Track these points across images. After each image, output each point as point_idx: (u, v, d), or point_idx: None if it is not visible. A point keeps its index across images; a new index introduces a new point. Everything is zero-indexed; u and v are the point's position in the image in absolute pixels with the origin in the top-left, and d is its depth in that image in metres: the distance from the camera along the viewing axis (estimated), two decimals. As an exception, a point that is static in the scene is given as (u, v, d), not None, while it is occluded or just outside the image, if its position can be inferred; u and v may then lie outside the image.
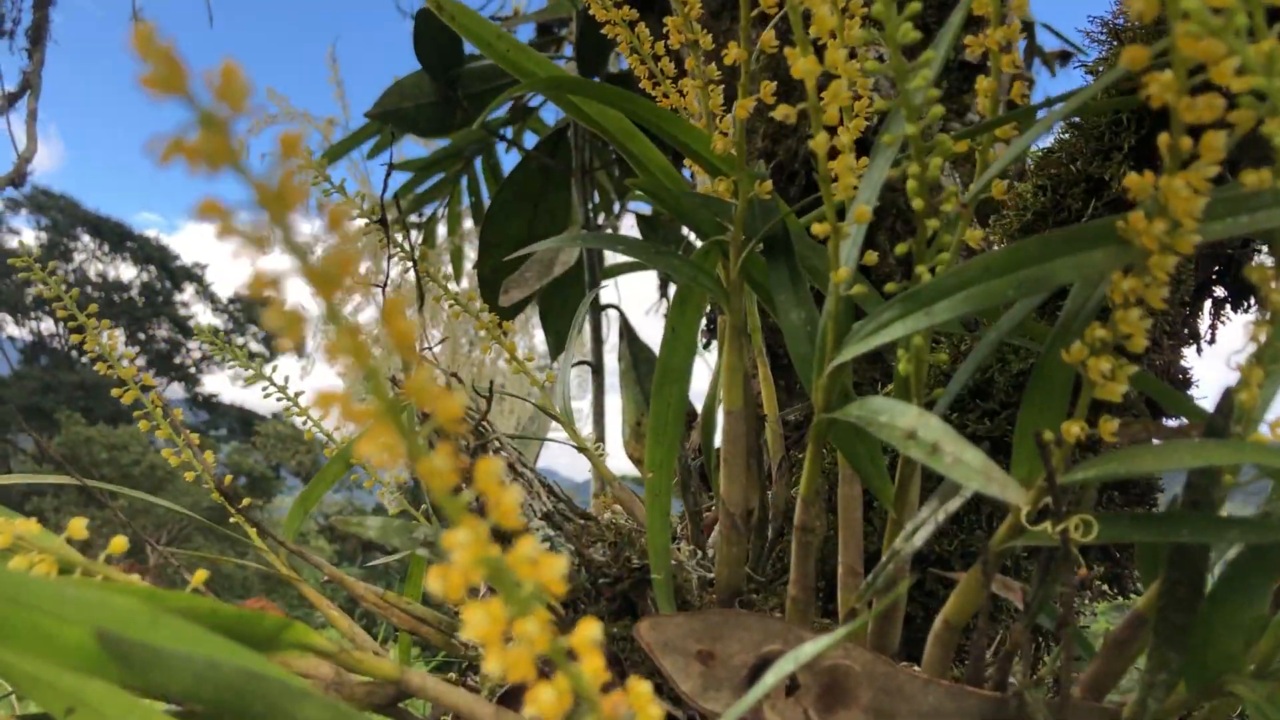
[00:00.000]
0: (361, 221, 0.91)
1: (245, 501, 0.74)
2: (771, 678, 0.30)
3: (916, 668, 0.47)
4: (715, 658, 0.46)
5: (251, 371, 0.92)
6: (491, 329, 0.92)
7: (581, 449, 0.73)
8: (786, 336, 0.48)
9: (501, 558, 0.20)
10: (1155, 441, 0.38)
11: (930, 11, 1.46)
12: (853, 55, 0.41)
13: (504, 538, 0.21)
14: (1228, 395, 0.37)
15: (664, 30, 0.51)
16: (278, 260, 0.20)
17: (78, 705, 0.37)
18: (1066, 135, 0.68)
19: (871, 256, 0.46)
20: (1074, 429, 0.37)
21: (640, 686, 0.23)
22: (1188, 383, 0.64)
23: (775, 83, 0.47)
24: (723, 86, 0.53)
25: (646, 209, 2.22)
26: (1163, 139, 0.32)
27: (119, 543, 0.40)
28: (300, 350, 0.21)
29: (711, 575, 0.58)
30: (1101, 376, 0.36)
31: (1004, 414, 0.61)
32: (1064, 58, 1.97)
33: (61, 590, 0.29)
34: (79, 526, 0.39)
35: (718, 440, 0.60)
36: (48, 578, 0.36)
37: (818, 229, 0.40)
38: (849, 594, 0.52)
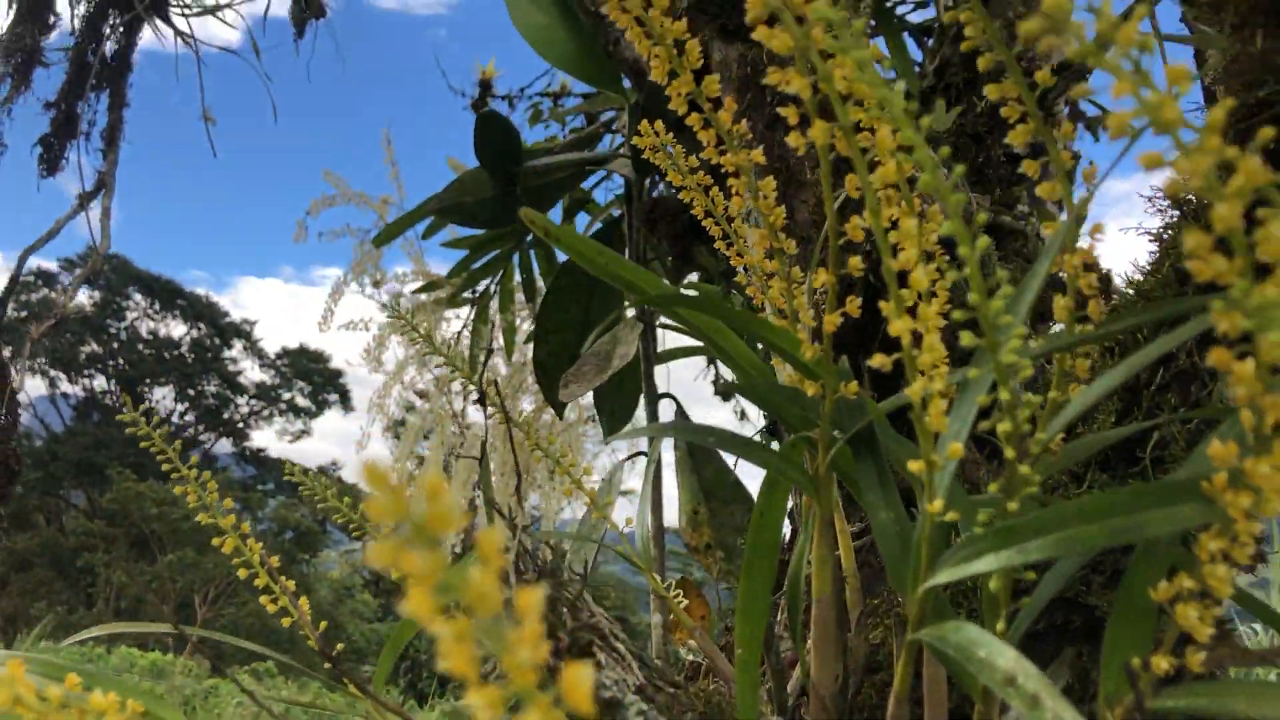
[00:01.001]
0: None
1: (339, 647, 0.77)
2: None
3: None
4: None
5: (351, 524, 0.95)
6: (557, 460, 0.93)
7: (660, 595, 0.76)
8: (876, 534, 0.51)
9: None
10: (1240, 672, 0.40)
11: (981, 120, 1.49)
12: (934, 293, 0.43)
13: None
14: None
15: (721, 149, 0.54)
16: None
17: None
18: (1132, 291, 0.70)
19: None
20: (1163, 664, 0.40)
21: None
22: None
23: (860, 295, 0.50)
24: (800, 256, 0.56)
25: (699, 293, 2.25)
26: (1245, 417, 0.35)
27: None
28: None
29: (798, 743, 0.60)
30: (1190, 619, 0.38)
31: (1098, 576, 0.63)
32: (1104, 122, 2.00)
33: None
34: None
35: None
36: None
37: (913, 466, 0.42)
38: (937, 776, 0.53)
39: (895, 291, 0.40)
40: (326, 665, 0.71)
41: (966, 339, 0.37)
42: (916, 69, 1.89)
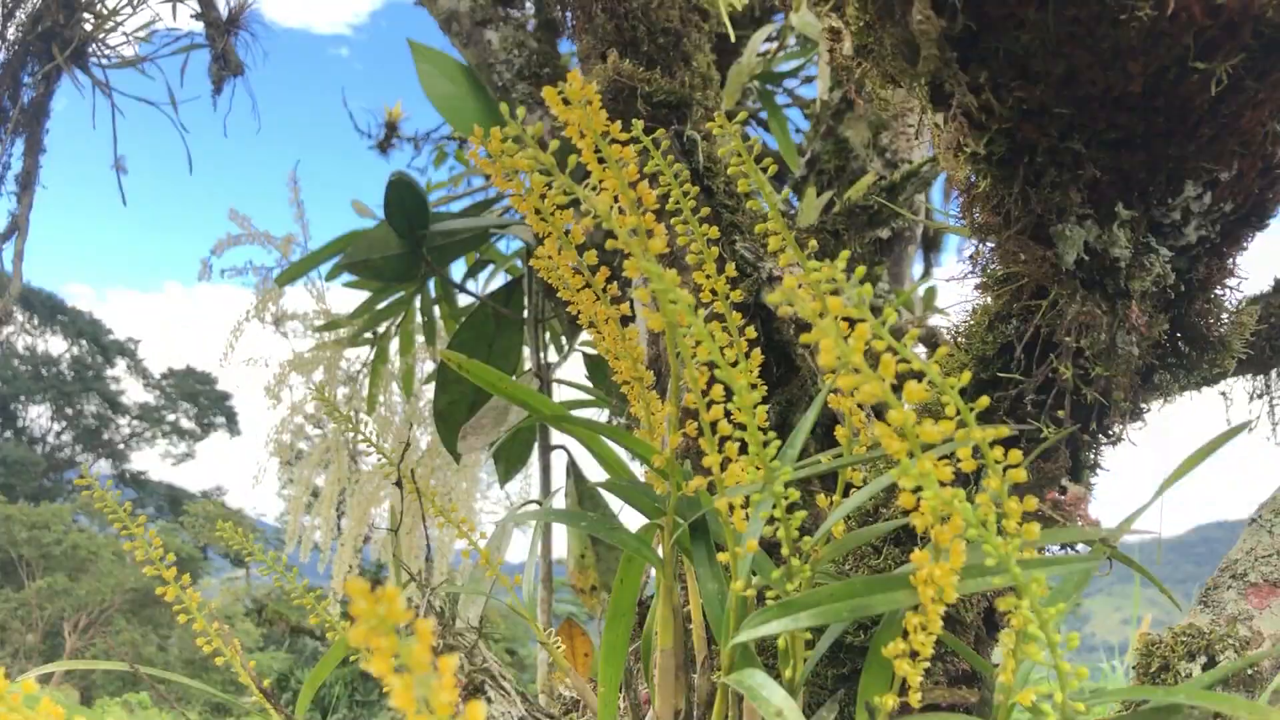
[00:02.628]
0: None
1: (258, 696, 0.89)
2: None
3: None
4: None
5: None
6: (445, 513, 1.05)
7: (543, 644, 0.91)
8: (704, 601, 0.67)
9: None
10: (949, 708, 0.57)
11: (840, 218, 1.69)
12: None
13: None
14: (992, 686, 0.56)
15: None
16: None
17: None
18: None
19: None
20: (889, 701, 0.57)
21: None
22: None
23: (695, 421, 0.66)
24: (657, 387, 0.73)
25: (592, 351, 2.41)
26: (935, 535, 0.52)
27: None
28: None
29: (646, 763, 0.76)
30: (908, 670, 0.56)
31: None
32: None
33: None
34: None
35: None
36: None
37: (721, 557, 0.59)
38: (748, 787, 0.70)
39: (709, 436, 0.57)
40: (256, 696, 0.84)
41: (751, 475, 0.53)
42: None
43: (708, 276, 0.67)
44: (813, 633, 0.65)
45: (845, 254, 0.48)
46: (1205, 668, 1.02)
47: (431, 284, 2.81)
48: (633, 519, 0.80)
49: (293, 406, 3.60)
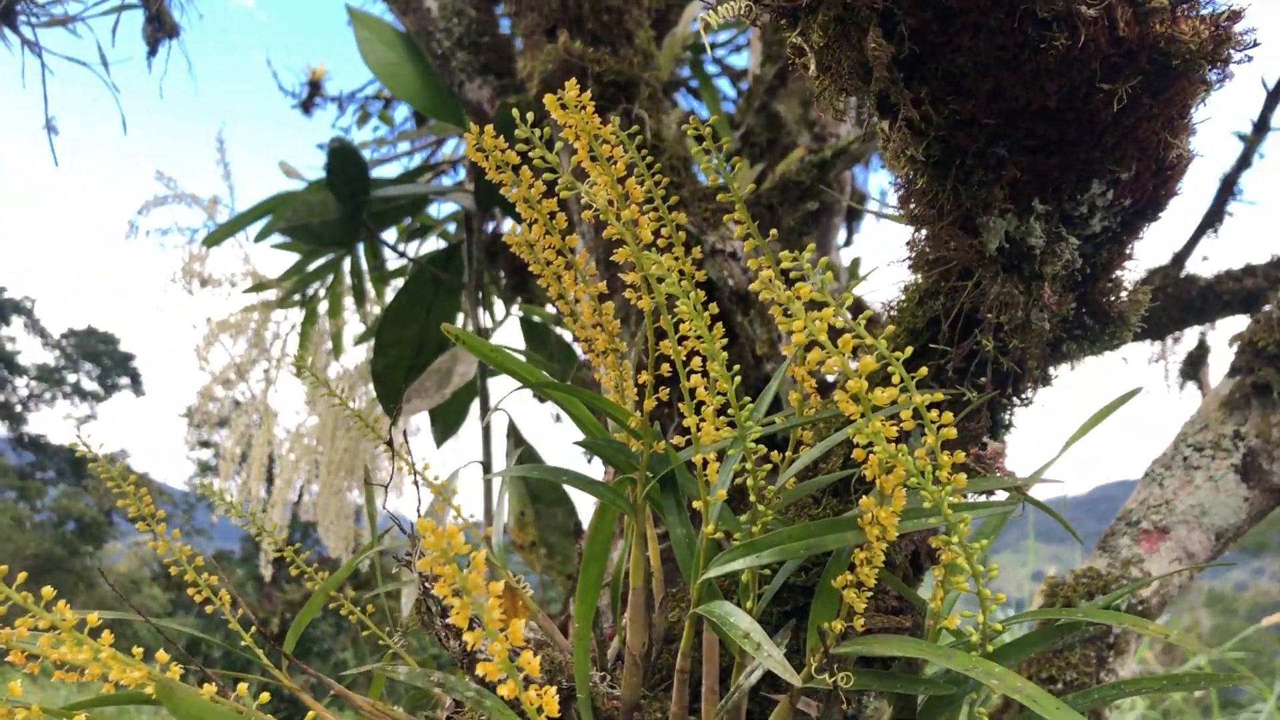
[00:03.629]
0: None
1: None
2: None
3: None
4: (625, 755, 0.73)
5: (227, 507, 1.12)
6: (396, 450, 1.11)
7: (510, 588, 0.99)
8: (673, 544, 0.76)
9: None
10: (885, 634, 0.67)
11: (774, 192, 1.78)
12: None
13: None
14: (925, 611, 0.66)
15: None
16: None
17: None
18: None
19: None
20: (837, 626, 0.66)
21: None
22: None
23: (668, 382, 0.75)
24: (631, 353, 0.81)
25: (530, 317, 2.47)
26: (881, 481, 0.62)
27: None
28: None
29: (615, 691, 0.85)
30: (854, 598, 0.65)
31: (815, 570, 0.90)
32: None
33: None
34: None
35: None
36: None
37: (696, 504, 0.68)
38: (710, 708, 0.79)
39: (688, 399, 0.66)
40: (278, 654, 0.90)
41: (727, 433, 0.62)
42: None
43: (676, 258, 0.76)
44: (770, 570, 0.75)
45: (811, 247, 0.57)
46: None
47: (361, 247, 2.83)
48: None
49: (215, 374, 3.60)
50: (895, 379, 0.59)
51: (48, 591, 0.65)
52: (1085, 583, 1.18)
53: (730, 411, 0.62)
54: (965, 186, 0.70)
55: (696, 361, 0.65)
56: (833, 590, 0.69)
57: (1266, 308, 1.23)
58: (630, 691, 0.82)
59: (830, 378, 0.81)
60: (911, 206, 0.74)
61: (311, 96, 3.44)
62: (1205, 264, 1.89)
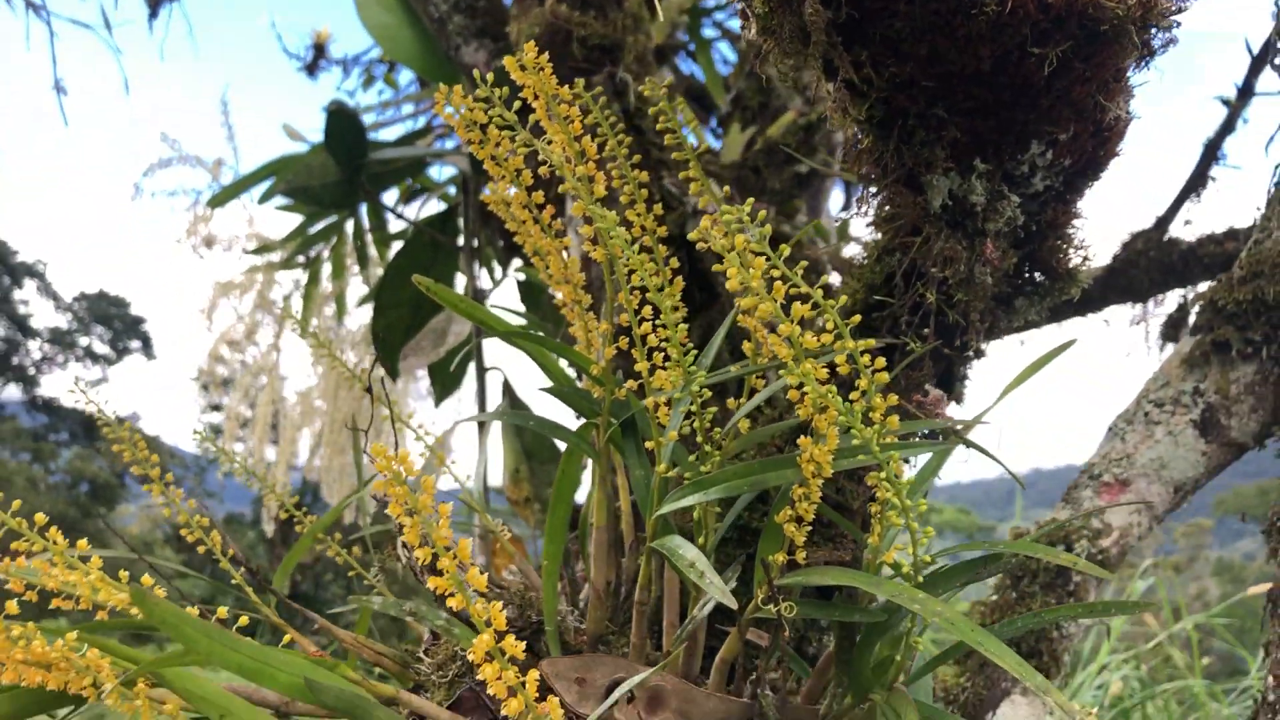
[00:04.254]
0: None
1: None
2: (618, 693, 0.62)
3: (705, 686, 0.80)
4: (586, 682, 0.78)
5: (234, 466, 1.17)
6: (377, 399, 1.15)
7: (490, 532, 1.04)
8: (633, 484, 0.81)
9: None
10: (827, 566, 0.72)
11: (760, 155, 1.81)
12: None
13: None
14: (862, 547, 0.71)
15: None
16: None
17: (226, 716, 0.66)
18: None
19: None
20: (780, 558, 0.71)
21: (554, 700, 0.55)
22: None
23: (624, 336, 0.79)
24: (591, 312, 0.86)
25: (526, 278, 2.51)
26: (816, 423, 0.66)
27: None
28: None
29: (583, 625, 0.90)
30: (794, 532, 0.70)
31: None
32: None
33: (264, 651, 0.59)
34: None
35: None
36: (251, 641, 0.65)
37: (649, 445, 0.73)
38: (669, 640, 0.84)
39: (639, 346, 0.70)
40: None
41: (676, 378, 0.67)
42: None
43: (638, 215, 0.80)
44: (721, 509, 0.79)
45: (750, 202, 0.61)
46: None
47: (364, 209, 2.87)
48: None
49: (222, 335, 3.65)
50: (830, 325, 0.63)
51: (55, 532, 0.70)
52: (1048, 532, 1.23)
53: (674, 358, 0.66)
54: (908, 146, 0.74)
55: (648, 310, 0.69)
56: (778, 527, 0.73)
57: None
58: (595, 625, 0.87)
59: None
60: (860, 167, 0.78)
61: (316, 59, 3.45)
62: (1188, 228, 1.92)
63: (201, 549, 0.91)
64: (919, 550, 0.69)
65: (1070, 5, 0.66)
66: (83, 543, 0.68)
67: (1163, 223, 1.96)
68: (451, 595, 0.53)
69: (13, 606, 0.63)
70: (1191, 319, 1.29)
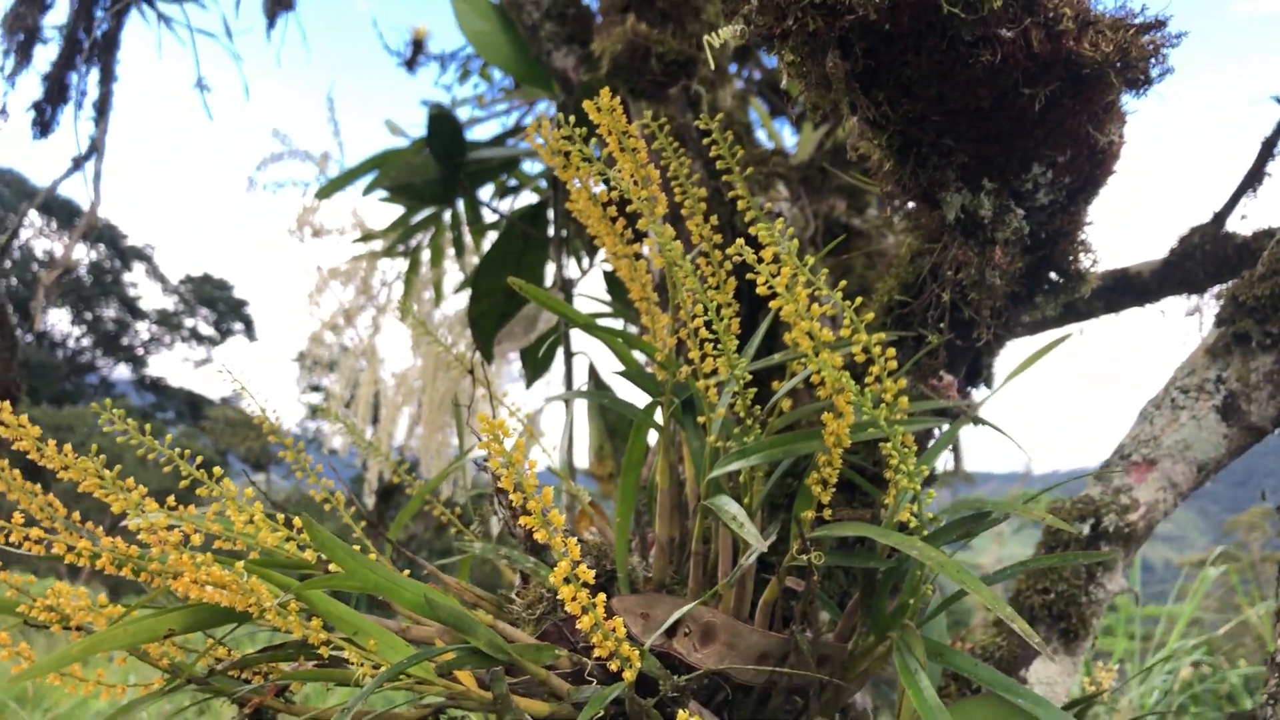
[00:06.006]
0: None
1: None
2: (670, 620, 0.78)
3: (751, 623, 0.95)
4: (650, 617, 0.94)
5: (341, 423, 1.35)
6: (477, 380, 1.33)
7: (574, 497, 1.21)
8: (690, 454, 0.96)
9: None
10: (854, 521, 0.86)
11: (827, 155, 1.93)
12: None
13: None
14: (880, 507, 0.85)
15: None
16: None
17: (359, 633, 0.82)
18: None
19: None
20: (810, 515, 0.86)
21: (618, 620, 0.71)
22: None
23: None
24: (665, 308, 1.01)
25: (611, 269, 2.67)
26: (837, 402, 0.80)
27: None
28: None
29: (650, 575, 1.06)
30: (820, 493, 0.84)
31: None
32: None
33: (394, 574, 0.76)
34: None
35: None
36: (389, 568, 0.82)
37: (700, 419, 0.88)
38: (720, 584, 0.99)
39: (693, 339, 0.85)
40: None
41: (724, 368, 0.82)
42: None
43: (696, 225, 0.95)
44: (766, 475, 0.94)
45: (780, 221, 0.75)
46: (1093, 527, 1.33)
47: (460, 203, 3.06)
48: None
49: (325, 320, 3.89)
50: (847, 321, 0.77)
51: (228, 482, 0.88)
52: (1080, 507, 1.35)
53: (721, 347, 0.81)
54: (923, 169, 0.87)
55: (699, 308, 0.84)
56: (808, 489, 0.88)
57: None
58: (660, 574, 1.03)
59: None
60: (885, 185, 0.91)
61: (415, 55, 3.66)
62: (1244, 222, 1.98)
63: (328, 506, 1.09)
64: (923, 508, 0.83)
65: (1054, 53, 0.78)
66: (238, 488, 0.85)
67: (1220, 217, 2.04)
68: (538, 531, 0.69)
69: (195, 539, 0.81)
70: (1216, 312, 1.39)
